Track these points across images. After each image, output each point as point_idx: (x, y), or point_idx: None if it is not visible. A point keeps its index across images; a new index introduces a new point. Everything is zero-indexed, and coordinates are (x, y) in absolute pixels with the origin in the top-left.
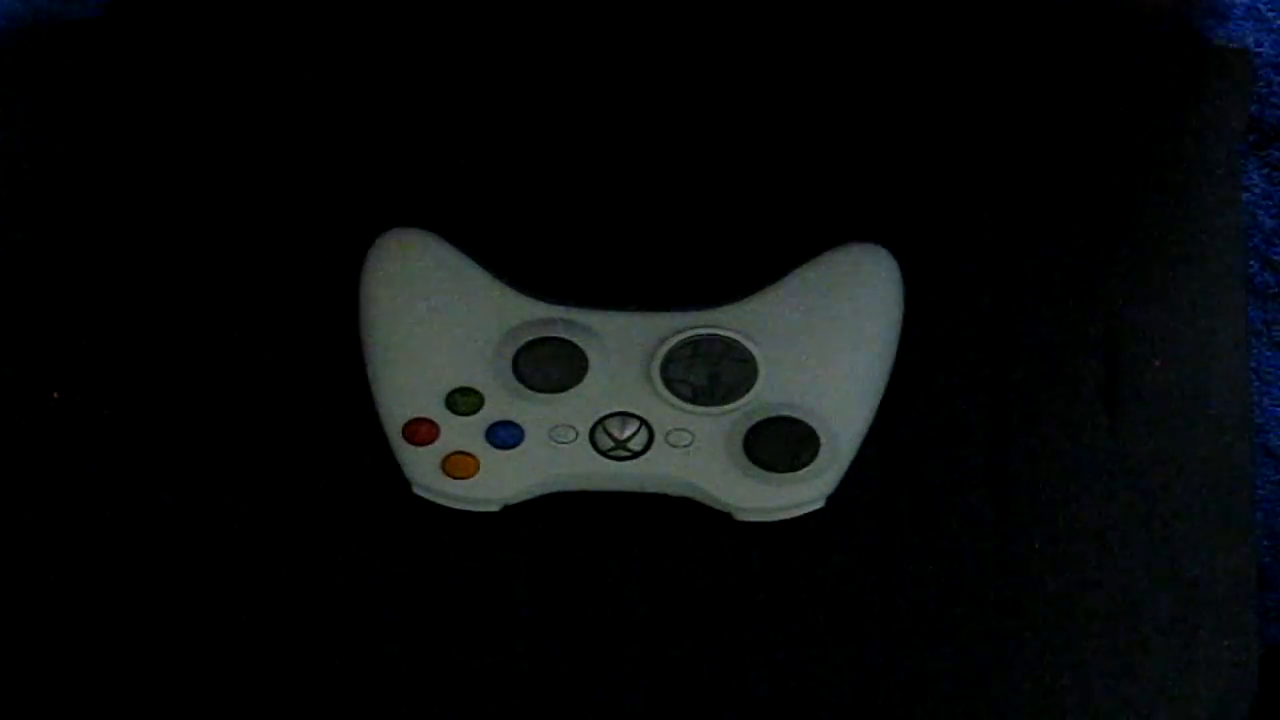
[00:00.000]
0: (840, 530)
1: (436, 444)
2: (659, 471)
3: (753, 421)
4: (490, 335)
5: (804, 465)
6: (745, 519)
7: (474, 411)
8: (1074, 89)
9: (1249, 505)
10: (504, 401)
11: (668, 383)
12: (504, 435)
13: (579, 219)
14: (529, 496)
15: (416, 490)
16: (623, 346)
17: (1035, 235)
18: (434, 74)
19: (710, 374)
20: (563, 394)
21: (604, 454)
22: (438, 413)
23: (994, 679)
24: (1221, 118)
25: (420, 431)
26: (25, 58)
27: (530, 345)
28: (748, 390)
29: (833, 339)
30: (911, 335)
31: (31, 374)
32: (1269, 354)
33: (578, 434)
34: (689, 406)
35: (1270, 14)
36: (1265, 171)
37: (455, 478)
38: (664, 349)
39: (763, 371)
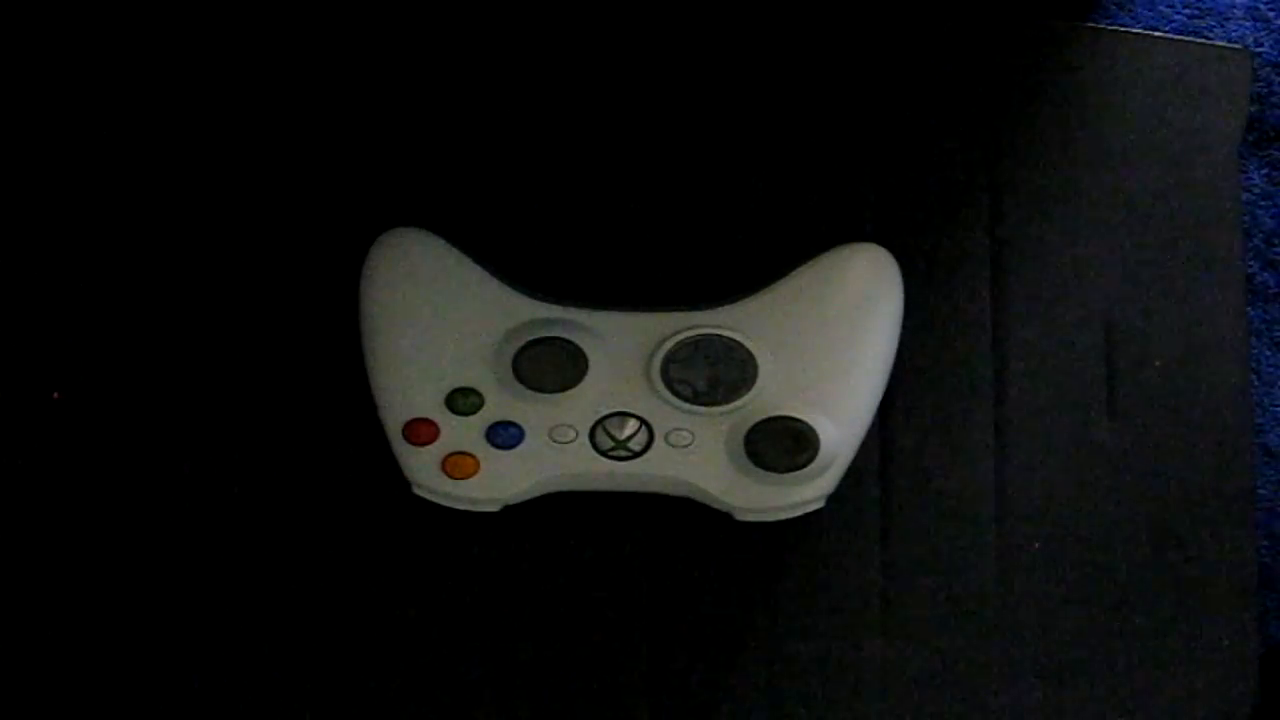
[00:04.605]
0: (840, 530)
1: (436, 444)
2: (659, 471)
3: (753, 421)
4: (490, 335)
5: (804, 465)
6: (745, 519)
7: (474, 411)
8: (1074, 89)
9: (1249, 505)
10: (504, 401)
11: (668, 383)
12: (504, 435)
13: (579, 219)
14: (529, 496)
15: (416, 490)
16: (623, 346)
17: (1035, 234)
18: (433, 74)
19: (710, 374)
20: (563, 394)
21: (604, 454)
22: (438, 413)
23: (994, 679)
24: (1221, 118)
25: (420, 431)
26: (24, 57)
27: (530, 345)
28: (748, 390)
29: (832, 339)
30: (911, 335)
31: (32, 374)
32: (1269, 354)
33: (578, 434)
34: (689, 406)
35: (1270, 14)
36: (1265, 171)
37: (455, 478)
38: (664, 349)
39: (763, 371)
